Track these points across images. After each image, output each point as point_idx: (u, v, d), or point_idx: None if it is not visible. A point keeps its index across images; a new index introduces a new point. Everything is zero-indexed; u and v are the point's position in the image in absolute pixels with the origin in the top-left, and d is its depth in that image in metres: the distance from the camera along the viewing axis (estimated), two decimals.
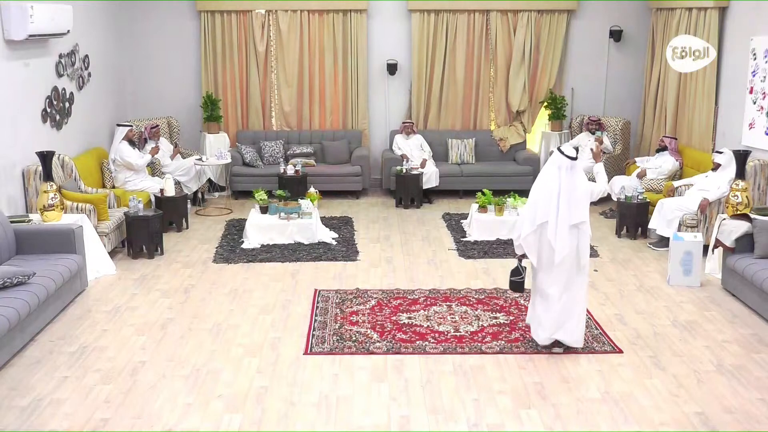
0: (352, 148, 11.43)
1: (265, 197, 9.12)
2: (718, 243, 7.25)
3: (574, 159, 5.49)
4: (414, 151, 11.09)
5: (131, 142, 9.55)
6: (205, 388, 5.24)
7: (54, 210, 7.27)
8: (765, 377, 5.42)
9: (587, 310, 6.61)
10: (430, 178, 10.83)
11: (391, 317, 6.52)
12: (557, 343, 5.81)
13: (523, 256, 5.73)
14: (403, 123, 11.29)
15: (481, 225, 8.91)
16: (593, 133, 10.72)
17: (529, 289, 6.08)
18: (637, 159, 10.16)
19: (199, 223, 9.77)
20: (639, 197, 9.02)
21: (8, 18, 7.38)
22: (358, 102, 11.60)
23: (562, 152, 5.52)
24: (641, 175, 9.59)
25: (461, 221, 9.66)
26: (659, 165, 9.64)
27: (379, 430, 4.73)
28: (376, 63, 11.62)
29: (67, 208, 7.63)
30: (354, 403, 5.06)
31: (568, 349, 5.83)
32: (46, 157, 7.37)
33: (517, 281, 5.94)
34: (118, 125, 9.63)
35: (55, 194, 7.31)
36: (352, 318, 6.50)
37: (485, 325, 6.33)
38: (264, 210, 9.05)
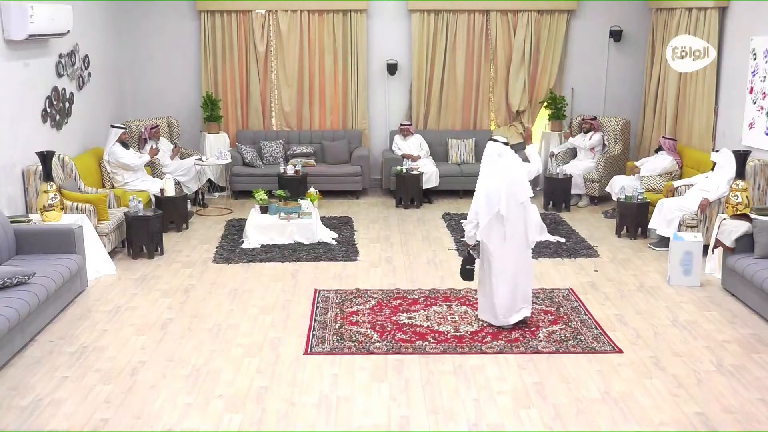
0: (352, 148, 11.43)
1: (265, 197, 9.12)
2: (718, 243, 7.25)
3: (508, 143, 6.09)
4: (413, 151, 11.09)
5: (124, 144, 9.49)
6: (205, 388, 5.24)
7: (54, 210, 7.26)
8: (765, 377, 5.42)
9: (588, 311, 6.65)
10: (430, 178, 10.82)
11: (391, 317, 6.52)
12: (521, 321, 6.23)
13: (476, 245, 6.14)
14: (401, 125, 11.29)
15: None
16: (586, 133, 10.76)
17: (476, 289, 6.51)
18: (636, 162, 10.16)
19: (199, 223, 9.77)
20: (639, 197, 9.02)
21: (8, 18, 7.38)
22: (358, 102, 11.60)
23: (496, 140, 6.06)
24: (635, 171, 9.68)
25: (461, 221, 9.63)
26: (656, 165, 9.65)
27: (379, 430, 4.73)
28: (376, 63, 11.61)
29: (67, 208, 7.62)
30: (354, 403, 5.05)
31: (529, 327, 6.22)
32: (46, 157, 7.37)
33: (470, 269, 6.32)
34: (113, 126, 9.52)
35: (55, 194, 7.31)
36: (352, 318, 6.50)
37: (485, 325, 6.33)
38: (264, 210, 9.04)
